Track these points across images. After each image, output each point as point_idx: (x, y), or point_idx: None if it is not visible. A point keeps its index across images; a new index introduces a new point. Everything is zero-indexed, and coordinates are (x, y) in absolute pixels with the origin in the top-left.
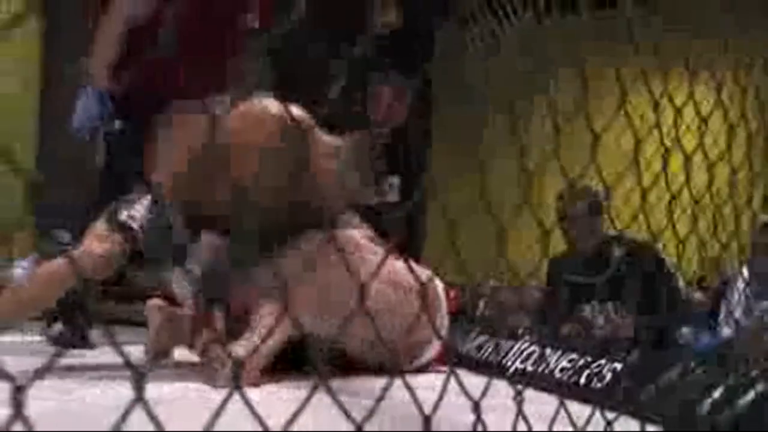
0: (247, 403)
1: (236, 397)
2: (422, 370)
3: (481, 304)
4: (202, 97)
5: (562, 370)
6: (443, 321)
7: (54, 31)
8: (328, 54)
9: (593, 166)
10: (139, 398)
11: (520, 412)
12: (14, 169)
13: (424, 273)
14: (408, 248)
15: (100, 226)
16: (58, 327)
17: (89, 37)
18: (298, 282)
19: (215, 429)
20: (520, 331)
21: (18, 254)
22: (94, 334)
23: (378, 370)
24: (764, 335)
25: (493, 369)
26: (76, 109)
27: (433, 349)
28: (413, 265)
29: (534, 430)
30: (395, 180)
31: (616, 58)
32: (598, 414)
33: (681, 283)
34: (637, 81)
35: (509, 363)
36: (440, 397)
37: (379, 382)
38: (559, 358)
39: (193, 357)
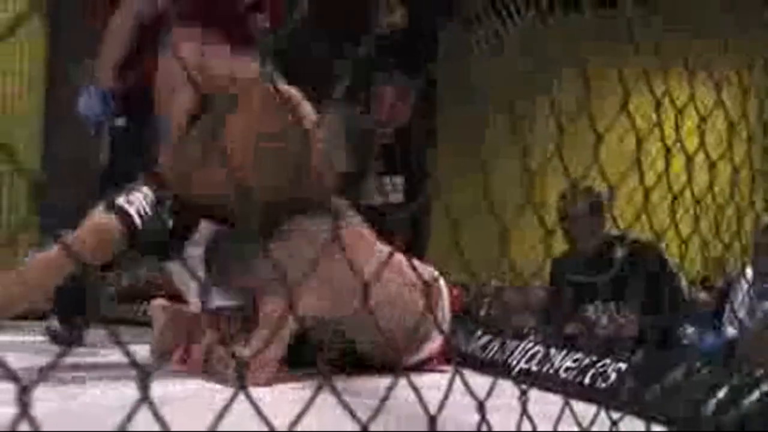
0: (253, 403)
1: (241, 397)
2: (426, 369)
3: (480, 304)
4: None
5: (566, 369)
6: (444, 315)
7: (59, 31)
8: (331, 54)
9: (596, 166)
10: (145, 398)
11: (524, 412)
12: (18, 169)
13: (428, 270)
14: (412, 248)
15: (97, 211)
16: (54, 322)
17: (95, 37)
18: (302, 273)
19: (220, 429)
20: (524, 331)
21: (22, 256)
22: (100, 333)
23: (381, 368)
24: (767, 336)
25: (497, 368)
26: (79, 107)
27: (434, 343)
28: (417, 263)
29: (539, 430)
30: (399, 180)
31: (617, 57)
32: (603, 414)
33: (684, 283)
34: (639, 81)
35: (514, 363)
36: (445, 397)
37: (384, 382)
38: (563, 357)
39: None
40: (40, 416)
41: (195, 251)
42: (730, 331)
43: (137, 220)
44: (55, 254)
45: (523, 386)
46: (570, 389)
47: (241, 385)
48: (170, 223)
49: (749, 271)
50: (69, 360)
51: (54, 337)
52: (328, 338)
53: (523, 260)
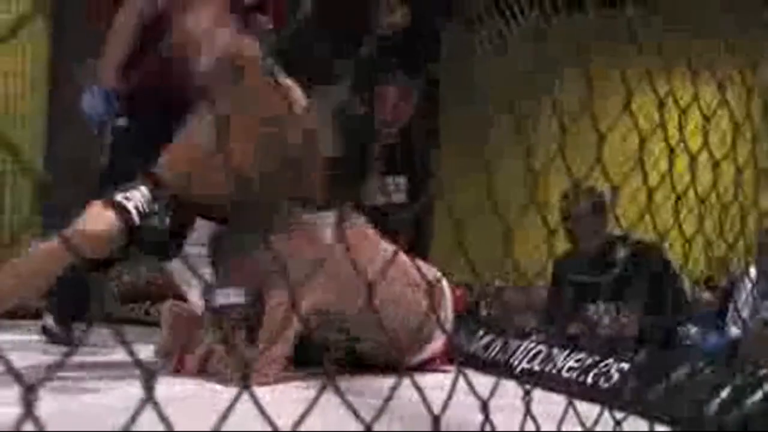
0: (257, 403)
1: (245, 397)
2: (429, 368)
3: (483, 304)
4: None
5: (569, 369)
6: (447, 315)
7: (62, 32)
8: (333, 54)
9: (599, 166)
10: (149, 398)
11: (528, 412)
12: (24, 168)
13: (431, 271)
14: (415, 248)
15: (95, 205)
16: (49, 321)
17: (98, 37)
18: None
19: (224, 429)
20: (527, 331)
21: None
22: (101, 333)
23: (384, 368)
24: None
25: (500, 368)
26: (83, 107)
27: (436, 343)
28: (421, 263)
29: (543, 430)
30: (402, 180)
31: (619, 58)
32: (606, 414)
33: (686, 285)
34: (642, 81)
35: (516, 362)
36: (449, 397)
37: (388, 382)
38: (566, 357)
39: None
40: (45, 416)
41: (193, 250)
42: (734, 330)
43: (135, 217)
44: (52, 247)
45: (527, 386)
46: (573, 389)
47: (244, 384)
48: (167, 222)
49: (753, 271)
50: (74, 359)
51: (50, 336)
52: (334, 337)
53: (526, 260)
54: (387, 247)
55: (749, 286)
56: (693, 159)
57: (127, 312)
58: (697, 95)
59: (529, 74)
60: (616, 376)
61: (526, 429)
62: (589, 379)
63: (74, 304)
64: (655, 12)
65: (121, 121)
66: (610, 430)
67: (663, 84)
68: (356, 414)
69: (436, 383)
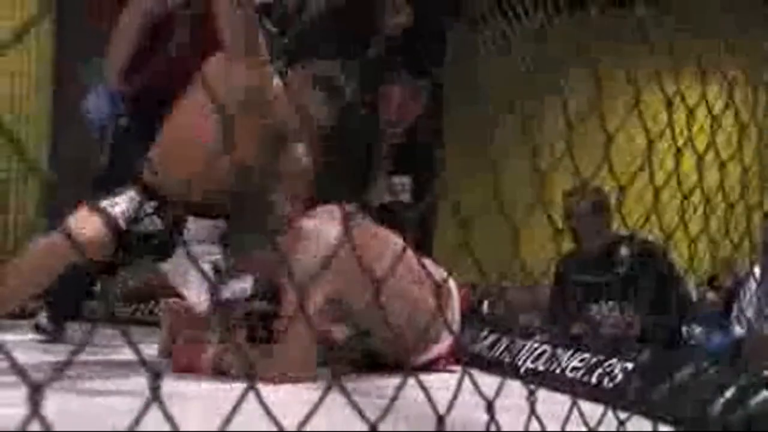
0: (262, 402)
1: (251, 396)
2: (435, 368)
3: (486, 304)
4: None
5: (573, 369)
6: (455, 316)
7: (66, 32)
8: (338, 54)
9: (605, 165)
10: (156, 398)
11: (533, 412)
12: (31, 168)
13: (438, 270)
14: (419, 247)
15: (81, 212)
16: (42, 319)
17: (102, 37)
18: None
19: (230, 429)
20: (531, 330)
21: None
22: (103, 333)
23: (391, 367)
24: None
25: (504, 368)
26: (88, 107)
27: (443, 344)
28: (428, 262)
29: (547, 430)
30: (406, 180)
31: (624, 58)
32: (610, 414)
33: (690, 286)
34: (650, 81)
35: (521, 362)
36: (454, 397)
37: (393, 382)
38: (570, 357)
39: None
40: (51, 415)
41: (193, 247)
42: (738, 330)
43: (122, 222)
44: (53, 243)
45: (532, 386)
46: (577, 389)
47: (250, 385)
48: (159, 223)
49: (758, 271)
50: (79, 359)
51: (43, 334)
52: (348, 336)
53: (532, 259)
54: (398, 242)
55: (754, 286)
56: (700, 159)
57: (124, 312)
58: (705, 95)
59: (534, 75)
60: (620, 376)
61: (530, 429)
62: (593, 379)
63: (70, 303)
64: (666, 12)
65: (122, 121)
66: (614, 430)
67: (658, 84)
68: (362, 414)
69: (441, 383)
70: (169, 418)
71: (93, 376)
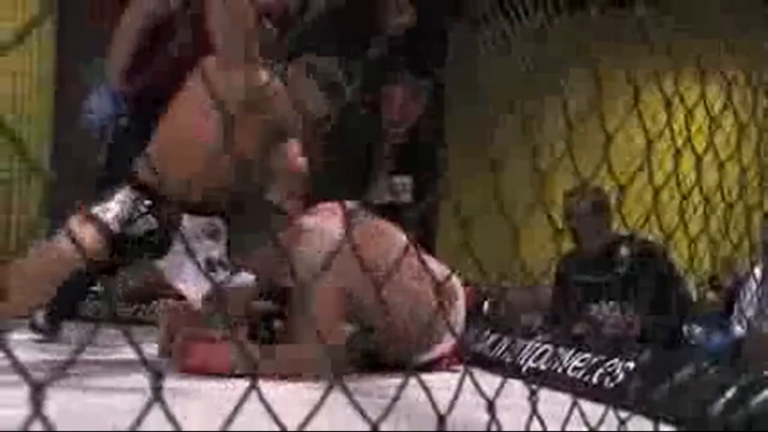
0: (264, 402)
1: (253, 396)
2: (438, 368)
3: (486, 304)
4: None
5: (574, 369)
6: (458, 317)
7: (68, 32)
8: (340, 54)
9: (605, 165)
10: (157, 398)
11: (534, 412)
12: (34, 168)
13: (442, 269)
14: (422, 247)
15: (73, 222)
16: (39, 318)
17: (104, 38)
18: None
19: (232, 428)
20: (532, 330)
21: None
22: (104, 333)
23: (392, 367)
24: None
25: (506, 367)
26: (90, 107)
27: (445, 344)
28: (434, 261)
29: (548, 430)
30: (407, 180)
31: (624, 58)
32: (611, 413)
33: (690, 286)
34: (649, 81)
35: (522, 362)
36: (455, 397)
37: (395, 381)
38: (571, 357)
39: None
40: (53, 415)
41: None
42: (738, 330)
43: (115, 227)
44: (57, 249)
45: (533, 386)
46: (578, 388)
47: (252, 384)
48: (153, 222)
49: (758, 271)
50: (80, 358)
51: (38, 332)
52: (349, 330)
53: (532, 260)
54: (401, 237)
55: (754, 286)
56: (699, 159)
57: (125, 312)
58: (705, 95)
59: (534, 75)
60: (621, 376)
61: (531, 429)
62: (595, 379)
63: (67, 302)
64: (665, 12)
65: (123, 121)
66: (615, 429)
67: (668, 84)
68: (363, 414)
69: (442, 383)
70: (170, 417)
71: (94, 376)
